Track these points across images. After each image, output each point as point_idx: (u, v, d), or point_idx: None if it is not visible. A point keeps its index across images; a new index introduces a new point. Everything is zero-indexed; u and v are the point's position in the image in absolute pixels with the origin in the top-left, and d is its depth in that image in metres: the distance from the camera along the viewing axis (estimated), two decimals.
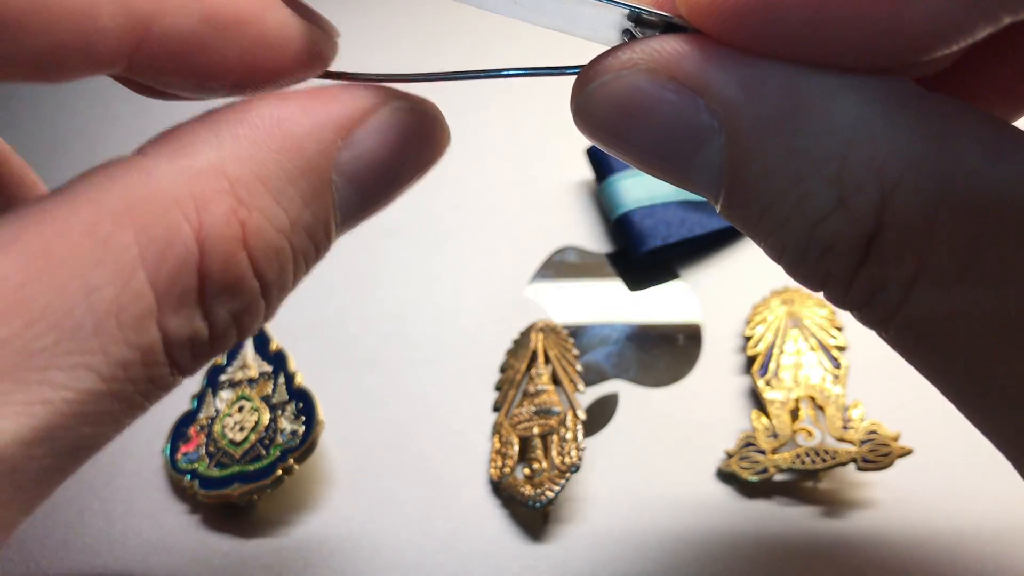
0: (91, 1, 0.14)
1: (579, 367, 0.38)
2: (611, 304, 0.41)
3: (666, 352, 0.39)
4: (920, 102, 0.15)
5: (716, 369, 0.38)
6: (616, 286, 0.42)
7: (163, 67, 0.16)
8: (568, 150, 0.46)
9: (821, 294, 0.17)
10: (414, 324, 0.41)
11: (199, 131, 0.16)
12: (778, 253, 0.17)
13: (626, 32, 0.17)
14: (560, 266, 0.43)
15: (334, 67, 0.19)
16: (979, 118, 0.15)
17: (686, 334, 0.40)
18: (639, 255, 0.41)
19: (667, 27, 0.17)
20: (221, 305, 0.16)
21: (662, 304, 0.41)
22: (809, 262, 0.16)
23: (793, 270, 0.17)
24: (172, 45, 0.15)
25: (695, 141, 0.16)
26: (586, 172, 0.45)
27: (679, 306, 0.41)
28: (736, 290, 0.41)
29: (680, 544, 0.33)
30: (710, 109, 0.16)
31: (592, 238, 0.44)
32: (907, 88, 0.15)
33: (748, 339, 0.38)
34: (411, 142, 0.18)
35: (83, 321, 0.14)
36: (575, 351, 0.38)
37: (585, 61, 0.18)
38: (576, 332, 0.40)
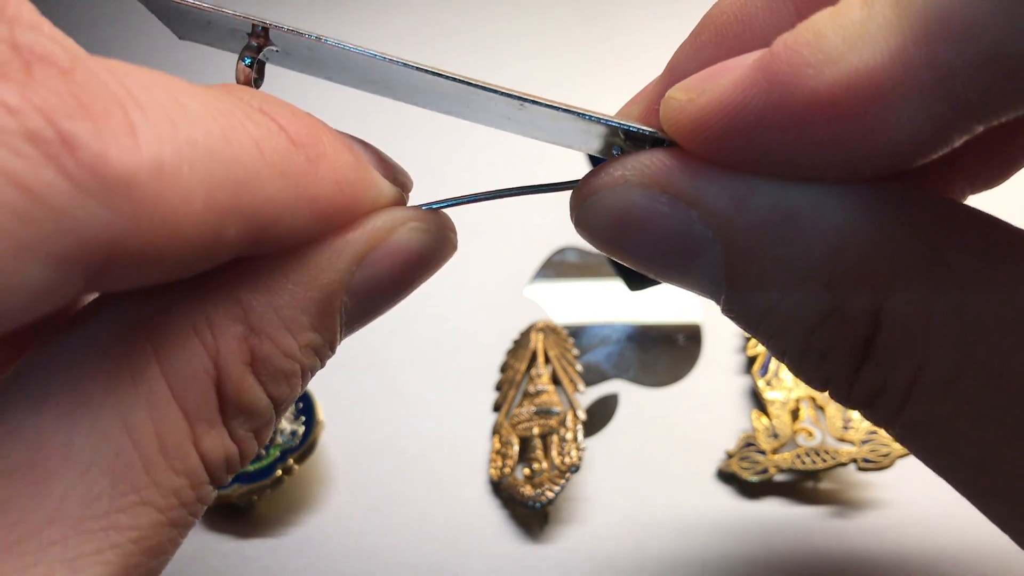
0: (222, 224, 0.14)
1: (579, 367, 0.38)
2: (611, 304, 0.41)
3: (666, 352, 0.39)
4: (909, 206, 0.15)
5: (716, 369, 0.38)
6: (616, 286, 0.42)
7: (263, 250, 0.16)
8: (568, 151, 0.46)
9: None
10: (414, 324, 0.41)
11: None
12: (779, 356, 0.17)
13: (615, 147, 0.18)
14: (560, 266, 0.43)
15: None
16: (969, 218, 0.15)
17: (686, 334, 0.40)
18: None
19: (654, 141, 0.17)
20: (241, 425, 0.16)
21: (662, 304, 0.41)
22: (808, 367, 0.17)
23: (796, 372, 0.17)
24: (282, 237, 0.16)
25: (691, 251, 0.17)
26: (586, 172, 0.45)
27: (679, 306, 0.41)
28: None
29: (680, 544, 0.33)
30: (703, 220, 0.16)
31: None
32: (895, 192, 0.15)
33: (748, 339, 0.38)
34: (422, 258, 0.18)
35: (131, 459, 0.14)
36: (575, 351, 0.38)
37: (576, 172, 0.19)
38: (576, 332, 0.39)
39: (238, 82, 0.18)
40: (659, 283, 0.41)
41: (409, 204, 0.19)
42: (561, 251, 0.43)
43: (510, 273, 0.42)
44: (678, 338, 0.39)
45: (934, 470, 0.17)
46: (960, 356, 0.15)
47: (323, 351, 0.18)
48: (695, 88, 0.16)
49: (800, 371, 0.17)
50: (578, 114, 0.17)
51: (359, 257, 0.17)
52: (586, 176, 0.18)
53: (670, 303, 0.41)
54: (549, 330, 0.39)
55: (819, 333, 0.16)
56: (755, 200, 0.16)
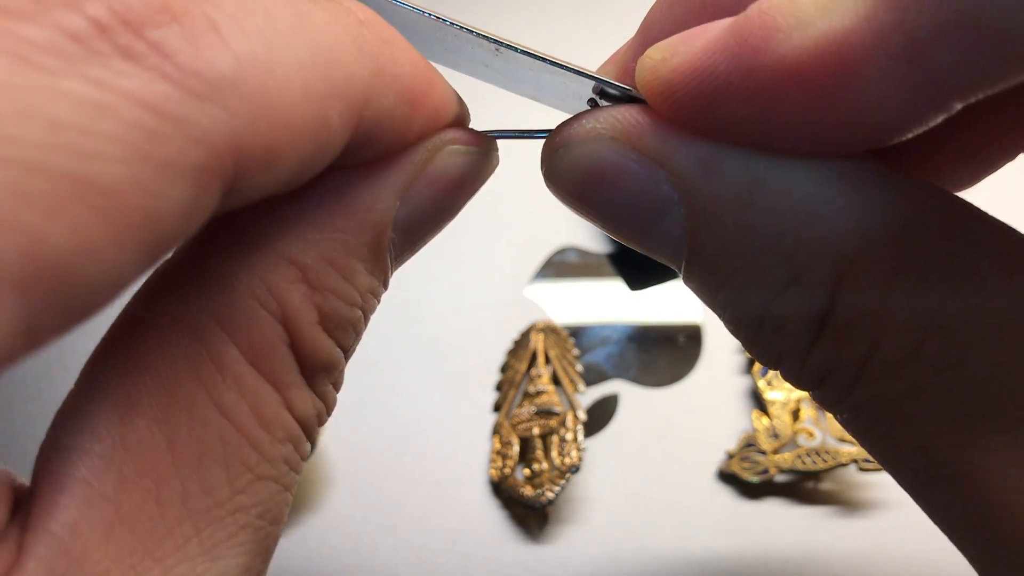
0: (324, 108, 0.14)
1: (579, 367, 0.37)
2: (611, 304, 0.41)
3: (667, 352, 0.39)
4: (878, 182, 0.15)
5: (717, 369, 0.38)
6: (616, 286, 0.42)
7: (363, 147, 0.16)
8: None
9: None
10: (414, 324, 0.41)
11: (259, 219, 0.16)
12: (734, 328, 0.17)
13: (591, 101, 0.18)
14: (560, 266, 0.43)
15: None
16: (938, 198, 0.15)
17: (686, 334, 0.40)
18: (639, 255, 0.41)
19: (629, 100, 0.17)
20: (322, 380, 0.16)
21: (663, 304, 0.41)
22: (763, 339, 0.16)
23: (749, 346, 0.17)
24: (375, 125, 0.15)
25: (656, 211, 0.16)
26: None
27: (679, 306, 0.41)
28: None
29: (681, 545, 0.33)
30: (670, 181, 0.16)
31: (592, 238, 0.44)
32: (865, 168, 0.15)
33: None
34: (464, 181, 0.18)
35: (237, 441, 0.15)
36: (575, 351, 0.38)
37: (551, 124, 0.18)
38: (576, 332, 0.39)
39: None
40: (659, 283, 0.41)
41: None
42: (561, 251, 0.43)
43: (510, 273, 0.42)
44: (678, 338, 0.39)
45: (878, 459, 0.17)
46: (917, 337, 0.15)
47: (379, 291, 0.17)
48: (669, 49, 0.16)
49: (753, 345, 0.17)
50: (555, 64, 0.17)
51: (401, 192, 0.17)
52: (558, 127, 0.18)
53: (670, 303, 0.41)
54: (549, 330, 0.39)
55: (776, 305, 0.16)
56: (722, 167, 0.16)
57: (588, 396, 0.37)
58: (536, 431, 0.35)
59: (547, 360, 0.38)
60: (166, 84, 0.11)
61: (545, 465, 0.34)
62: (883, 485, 0.33)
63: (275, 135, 0.13)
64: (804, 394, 0.35)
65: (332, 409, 0.17)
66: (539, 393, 0.37)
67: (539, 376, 0.37)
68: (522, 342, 0.39)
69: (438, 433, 0.37)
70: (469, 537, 0.33)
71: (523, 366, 0.38)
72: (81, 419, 0.14)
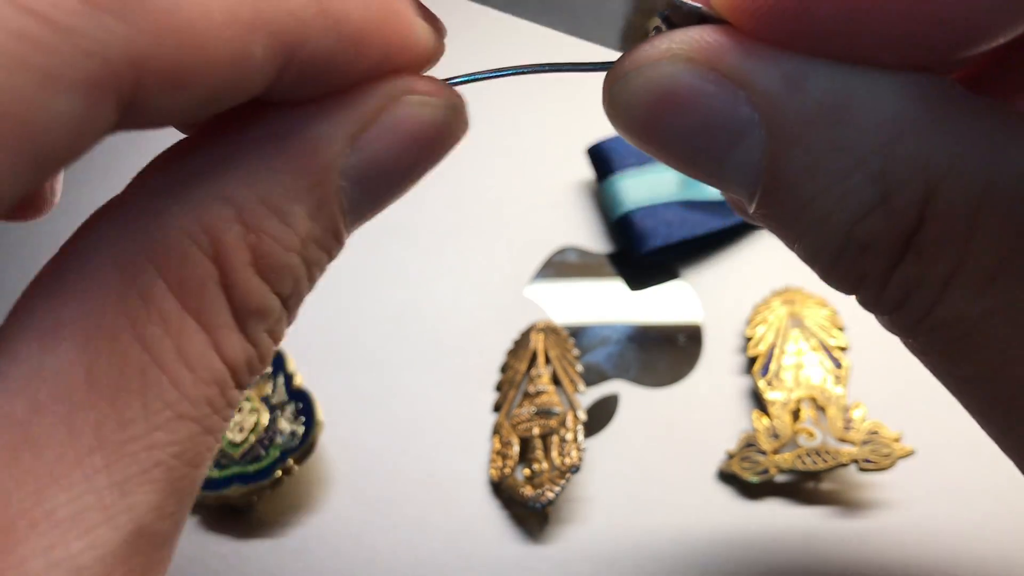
0: (246, 39, 0.13)
1: (579, 367, 0.37)
2: (611, 304, 0.41)
3: (667, 352, 0.39)
4: (966, 100, 0.15)
5: (717, 370, 0.38)
6: (616, 286, 0.42)
7: (293, 87, 0.15)
8: (568, 150, 0.46)
9: (854, 297, 0.17)
10: (414, 324, 0.41)
11: (198, 156, 0.15)
12: (812, 254, 0.17)
13: (656, 29, 0.17)
14: (560, 266, 0.43)
15: None
16: (1021, 115, 0.15)
17: (687, 334, 0.40)
18: (640, 255, 0.41)
19: (699, 20, 0.16)
20: (255, 326, 0.16)
21: (663, 304, 0.41)
22: (845, 263, 0.16)
23: (828, 272, 0.17)
24: (311, 66, 0.15)
25: (734, 135, 0.16)
26: (586, 172, 0.45)
27: (680, 306, 0.41)
28: (737, 290, 0.40)
29: (681, 545, 0.33)
30: (751, 102, 0.15)
31: (592, 238, 0.44)
32: (952, 86, 0.15)
33: (749, 339, 0.38)
34: (425, 137, 0.17)
35: (157, 377, 0.14)
36: (575, 351, 0.38)
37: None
38: (576, 332, 0.39)
39: None
40: (659, 283, 0.41)
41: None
42: (561, 251, 0.43)
43: (510, 273, 0.42)
44: (678, 338, 0.39)
45: (952, 386, 0.16)
46: (1006, 251, 0.14)
47: (328, 243, 0.17)
48: None
49: (834, 269, 0.16)
50: None
51: (351, 138, 0.16)
52: (628, 50, 0.17)
53: (670, 303, 0.41)
54: (549, 330, 0.39)
55: (863, 225, 0.15)
56: (810, 82, 0.15)
57: (588, 396, 0.37)
58: (536, 431, 0.35)
59: (547, 360, 0.38)
60: None
61: (545, 465, 0.34)
62: (883, 485, 0.33)
63: (184, 57, 0.13)
64: (804, 395, 0.35)
65: (267, 360, 0.16)
66: (539, 393, 0.37)
67: (539, 376, 0.37)
68: (522, 342, 0.39)
69: (438, 433, 0.37)
70: (469, 537, 0.33)
71: (523, 366, 0.38)
72: (3, 344, 0.14)
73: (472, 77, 0.18)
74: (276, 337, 0.17)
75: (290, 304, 0.17)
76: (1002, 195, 0.14)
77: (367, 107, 0.16)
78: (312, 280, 0.17)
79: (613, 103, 0.17)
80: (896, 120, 0.15)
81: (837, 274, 0.17)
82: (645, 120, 0.16)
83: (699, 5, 0.16)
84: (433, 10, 0.17)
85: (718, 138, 0.16)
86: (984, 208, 0.15)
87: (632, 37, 0.17)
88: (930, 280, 0.15)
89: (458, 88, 0.17)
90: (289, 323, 0.17)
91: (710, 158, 0.16)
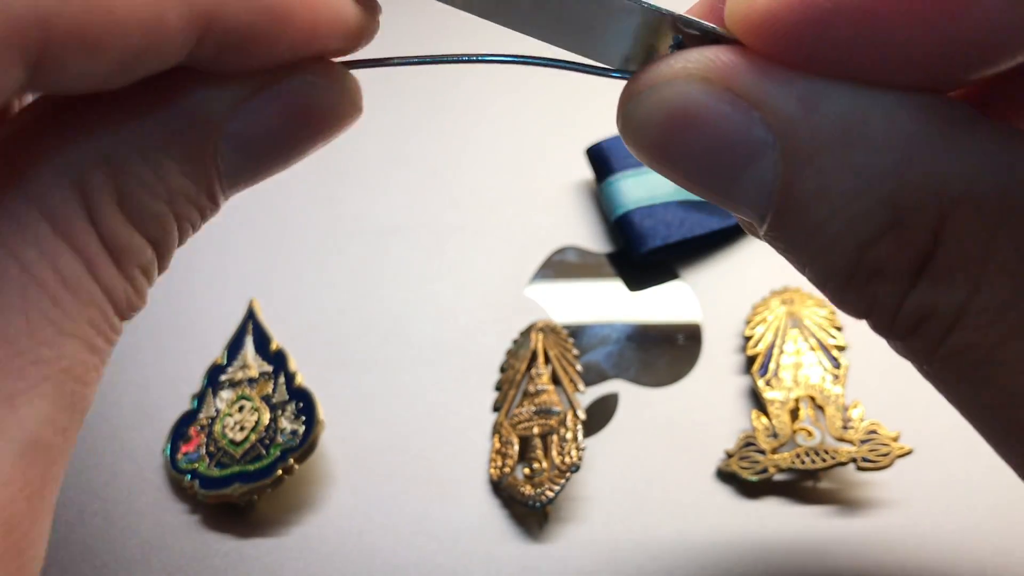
0: (159, 5, 0.14)
1: (579, 367, 0.38)
2: (611, 304, 0.41)
3: (666, 352, 0.39)
4: (977, 121, 0.15)
5: (716, 369, 0.38)
6: (616, 286, 0.42)
7: (215, 58, 0.15)
8: (568, 150, 0.46)
9: (865, 322, 0.17)
10: (414, 324, 0.41)
11: (89, 105, 0.16)
12: (823, 279, 0.16)
13: (670, 48, 0.17)
14: (560, 266, 0.43)
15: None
16: None
17: (686, 334, 0.40)
18: (639, 255, 0.41)
19: (712, 40, 0.16)
20: (127, 263, 0.16)
21: (662, 304, 0.41)
22: (856, 288, 0.16)
23: (838, 297, 0.17)
24: (230, 38, 0.15)
25: (747, 155, 0.16)
26: (586, 172, 0.45)
27: (679, 306, 0.41)
28: (736, 290, 0.41)
29: (680, 544, 0.33)
30: (766, 123, 0.15)
31: (592, 238, 0.44)
32: (965, 109, 0.15)
33: (748, 339, 0.38)
34: (310, 113, 0.17)
35: (38, 295, 0.15)
36: (575, 351, 0.38)
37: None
38: (576, 332, 0.40)
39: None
40: (659, 283, 0.41)
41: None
42: (561, 251, 0.43)
43: (510, 273, 0.42)
44: (678, 338, 0.40)
45: (964, 410, 0.16)
46: (1021, 281, 0.14)
47: (200, 200, 0.17)
48: None
49: (845, 294, 0.16)
50: (635, 2, 0.16)
51: (237, 102, 0.16)
52: (644, 66, 0.17)
53: (670, 303, 0.41)
54: (549, 330, 0.39)
55: (875, 249, 0.15)
56: (824, 104, 0.15)
57: (588, 396, 0.38)
58: (536, 430, 0.35)
59: (547, 360, 0.38)
60: None
61: (545, 464, 0.34)
62: (882, 484, 0.34)
63: (93, 18, 0.13)
64: (803, 394, 0.36)
65: (142, 295, 0.17)
66: (539, 393, 0.37)
67: (539, 376, 0.37)
68: (522, 342, 0.39)
69: (438, 432, 0.37)
70: (469, 537, 0.33)
71: (523, 366, 0.38)
72: None
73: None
74: (149, 279, 0.17)
75: (160, 251, 0.17)
76: (1019, 218, 0.14)
77: (263, 77, 0.16)
78: (183, 234, 0.17)
79: (627, 121, 0.17)
80: (910, 142, 0.15)
81: (848, 299, 0.16)
82: (658, 138, 0.17)
83: (712, 25, 0.16)
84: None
85: (732, 158, 0.16)
86: (1001, 232, 0.14)
87: (637, 58, 0.17)
88: (944, 307, 0.15)
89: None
90: (160, 270, 0.18)
91: (723, 178, 0.16)
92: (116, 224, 0.16)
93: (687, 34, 0.16)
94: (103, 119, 0.16)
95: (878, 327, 0.17)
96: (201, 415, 0.37)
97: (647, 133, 0.17)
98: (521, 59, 0.18)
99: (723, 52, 0.16)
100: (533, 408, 0.36)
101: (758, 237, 0.18)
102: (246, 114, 0.17)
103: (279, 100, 0.17)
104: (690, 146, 0.16)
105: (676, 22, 0.16)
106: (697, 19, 0.16)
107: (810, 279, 0.17)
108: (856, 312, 0.17)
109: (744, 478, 0.34)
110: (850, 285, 0.16)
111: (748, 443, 0.34)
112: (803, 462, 0.33)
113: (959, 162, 0.14)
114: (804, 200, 0.16)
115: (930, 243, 0.15)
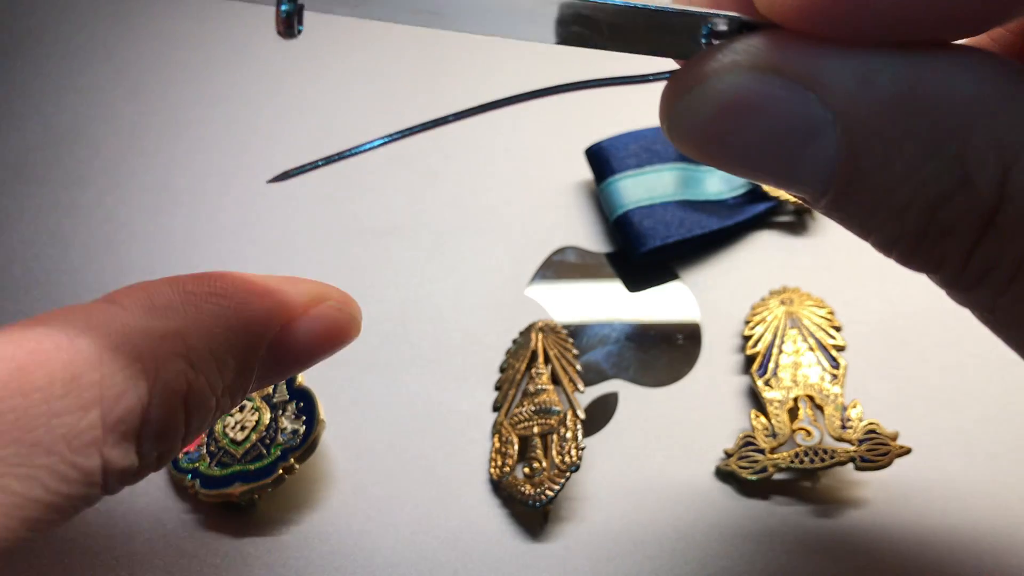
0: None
1: (579, 367, 0.38)
2: (610, 304, 0.41)
3: (665, 352, 0.39)
4: None
5: (715, 369, 0.38)
6: (615, 286, 0.42)
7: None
8: (568, 150, 0.46)
9: (927, 277, 0.17)
10: (414, 324, 0.41)
11: (170, 295, 0.19)
12: (891, 242, 0.17)
13: (705, 43, 0.17)
14: (560, 266, 0.43)
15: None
16: None
17: (685, 334, 0.40)
18: (638, 255, 0.41)
19: (745, 28, 0.16)
20: (151, 445, 0.18)
21: (661, 304, 0.41)
22: (926, 248, 0.16)
23: (907, 257, 0.17)
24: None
25: (807, 136, 0.16)
26: (586, 172, 0.45)
27: (678, 306, 0.41)
28: (735, 290, 0.41)
29: (679, 543, 0.33)
30: (824, 102, 0.16)
31: (592, 238, 0.44)
32: (1016, 66, 0.15)
33: (747, 339, 0.38)
34: (334, 334, 0.22)
35: (41, 440, 0.16)
36: (575, 351, 0.38)
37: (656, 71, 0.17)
38: (576, 332, 0.40)
39: (279, 32, 0.17)
40: (658, 283, 0.41)
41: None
42: (561, 251, 0.43)
43: (510, 273, 0.43)
44: (677, 338, 0.40)
45: None
46: None
47: (236, 395, 0.20)
48: None
49: (915, 255, 0.17)
50: (662, 10, 0.16)
51: (287, 320, 0.21)
52: (687, 64, 0.17)
53: (669, 303, 0.41)
54: (549, 330, 0.39)
55: (944, 209, 0.16)
56: (881, 76, 0.15)
57: (587, 395, 0.38)
58: (536, 430, 0.35)
59: (547, 359, 0.38)
60: None
61: (545, 464, 0.34)
62: (880, 484, 0.34)
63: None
64: (802, 393, 0.36)
65: (142, 476, 0.19)
66: (539, 392, 0.37)
67: (539, 375, 0.37)
68: (522, 342, 0.39)
69: (438, 432, 0.37)
70: (469, 536, 0.34)
71: (523, 365, 0.38)
72: None
73: (519, 97, 0.18)
74: (162, 460, 0.19)
75: (186, 439, 0.19)
76: None
77: (302, 302, 0.22)
78: (210, 423, 0.20)
79: (679, 119, 0.17)
80: (969, 103, 0.15)
81: (915, 260, 0.17)
82: (715, 131, 0.17)
83: (740, 15, 0.16)
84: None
85: (791, 141, 0.16)
86: None
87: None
88: (1008, 258, 0.15)
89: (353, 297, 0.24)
90: (184, 445, 0.20)
91: (783, 161, 0.17)
92: (173, 415, 0.18)
93: (720, 26, 0.16)
94: (185, 314, 0.19)
95: (943, 281, 0.17)
96: None
97: (703, 128, 0.17)
98: (559, 88, 0.18)
99: (766, 38, 0.16)
100: (533, 408, 0.36)
101: (816, 209, 0.18)
102: (285, 332, 0.21)
103: (309, 322, 0.22)
104: (749, 134, 0.16)
105: (708, 18, 0.16)
106: (727, 13, 0.16)
107: (874, 245, 0.17)
108: (925, 269, 0.17)
109: (743, 477, 0.34)
110: (920, 246, 0.16)
111: (747, 442, 0.35)
112: (802, 462, 0.33)
113: (1017, 117, 0.15)
114: (870, 171, 0.16)
115: (996, 197, 0.15)
